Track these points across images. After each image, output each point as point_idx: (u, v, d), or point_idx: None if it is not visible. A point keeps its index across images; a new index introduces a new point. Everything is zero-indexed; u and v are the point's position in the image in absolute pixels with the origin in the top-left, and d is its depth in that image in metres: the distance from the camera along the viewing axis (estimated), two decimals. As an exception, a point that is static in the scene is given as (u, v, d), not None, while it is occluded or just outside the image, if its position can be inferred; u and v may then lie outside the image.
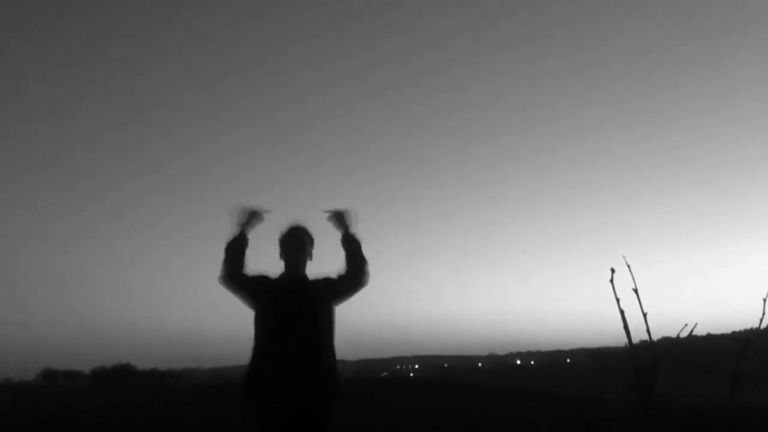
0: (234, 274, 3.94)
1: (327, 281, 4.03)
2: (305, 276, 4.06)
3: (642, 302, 4.57)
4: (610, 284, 4.64)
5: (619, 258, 4.63)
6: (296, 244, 4.05)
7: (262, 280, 3.99)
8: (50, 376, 75.71)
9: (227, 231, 4.03)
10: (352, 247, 4.06)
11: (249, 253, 4.04)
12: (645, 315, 4.57)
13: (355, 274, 4.01)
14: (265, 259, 4.15)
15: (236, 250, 3.98)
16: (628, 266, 4.57)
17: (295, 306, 3.85)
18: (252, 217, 4.08)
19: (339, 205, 4.17)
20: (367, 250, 4.10)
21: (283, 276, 4.04)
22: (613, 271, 4.62)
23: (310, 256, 4.11)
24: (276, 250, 4.13)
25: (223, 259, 3.97)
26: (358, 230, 4.13)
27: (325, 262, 4.21)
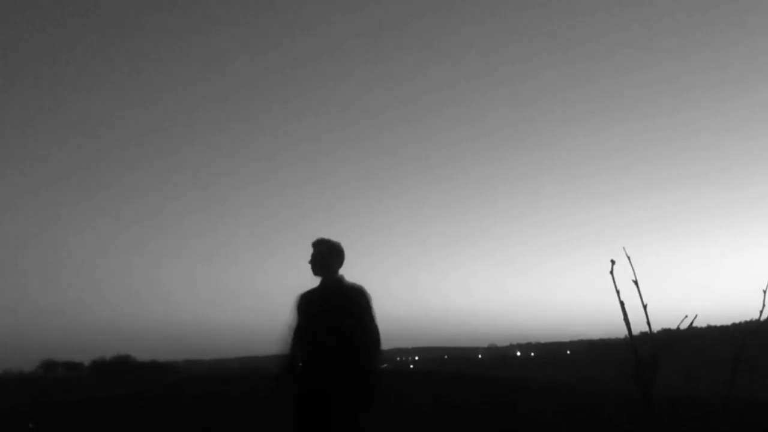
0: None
1: (359, 305, 4.17)
2: (338, 284, 4.31)
3: (642, 294, 4.56)
4: (610, 276, 4.63)
5: (619, 249, 4.62)
6: (326, 259, 4.32)
7: (299, 306, 4.32)
8: (50, 367, 75.89)
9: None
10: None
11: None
12: (645, 306, 4.56)
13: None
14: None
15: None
16: (628, 258, 4.56)
17: (329, 312, 4.12)
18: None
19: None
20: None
21: (318, 288, 4.33)
22: (613, 262, 4.61)
23: (341, 264, 4.36)
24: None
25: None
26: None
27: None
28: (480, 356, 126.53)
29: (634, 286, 4.59)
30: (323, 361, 4.02)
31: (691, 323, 4.56)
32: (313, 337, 4.10)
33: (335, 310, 4.13)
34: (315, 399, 3.96)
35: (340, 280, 4.34)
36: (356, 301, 4.17)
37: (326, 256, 4.34)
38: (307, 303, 4.28)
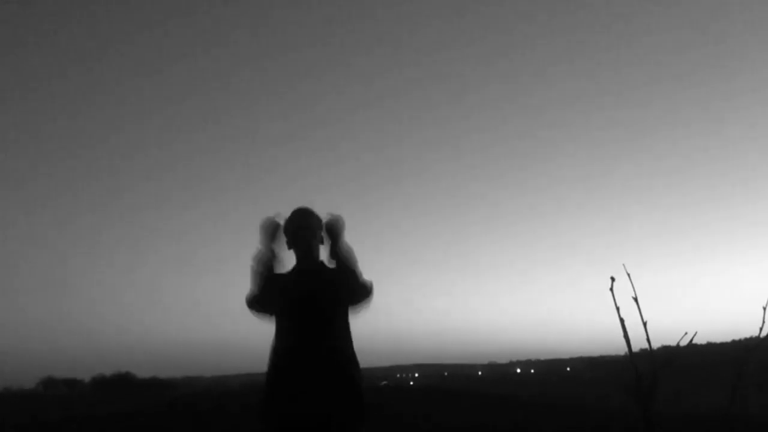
0: (261, 300, 3.48)
1: (347, 274, 3.50)
2: (321, 263, 3.59)
3: (642, 311, 4.59)
4: (610, 293, 4.66)
5: (619, 266, 4.64)
6: (305, 229, 3.57)
7: (274, 282, 3.49)
8: (50, 384, 75.55)
9: (254, 246, 3.57)
10: (340, 264, 3.51)
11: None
12: (645, 323, 4.58)
13: (357, 292, 3.50)
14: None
15: (268, 273, 3.50)
16: (628, 275, 4.59)
17: (312, 299, 3.42)
18: (278, 230, 3.58)
19: (333, 212, 3.62)
20: (365, 258, 3.57)
21: (295, 269, 3.58)
22: (613, 279, 4.63)
23: (322, 240, 3.60)
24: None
25: (253, 282, 3.50)
26: (348, 238, 3.59)
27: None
28: (480, 373, 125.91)
29: (634, 303, 4.61)
30: (315, 379, 3.24)
31: (691, 340, 4.58)
32: (306, 339, 3.33)
33: (330, 297, 3.43)
34: (315, 427, 3.20)
35: (323, 263, 3.60)
36: (344, 287, 3.47)
37: (316, 228, 3.60)
38: (289, 291, 3.45)
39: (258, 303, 3.48)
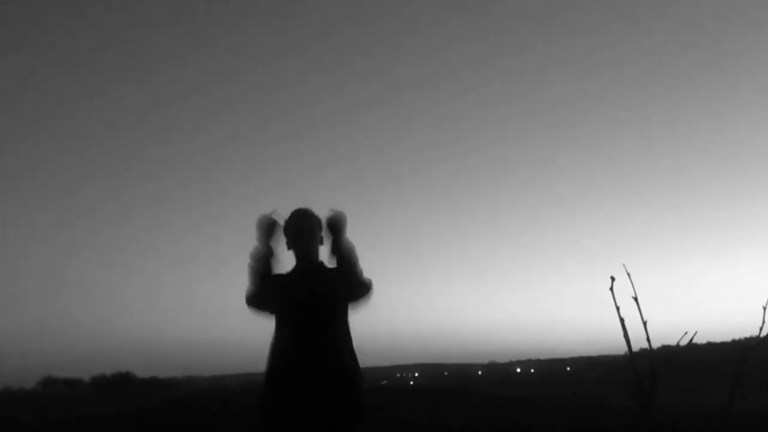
0: (260, 297, 3.46)
1: (347, 271, 3.48)
2: (321, 264, 3.57)
3: (642, 310, 4.60)
4: (610, 292, 4.66)
5: (619, 266, 4.66)
6: (305, 230, 3.55)
7: (277, 282, 3.48)
8: (50, 384, 75.48)
9: (252, 245, 3.55)
10: (341, 261, 3.49)
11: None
12: (645, 323, 4.59)
13: (356, 289, 3.49)
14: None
15: (265, 270, 3.48)
16: (628, 274, 4.60)
17: (312, 299, 3.40)
18: (275, 227, 3.55)
19: (335, 208, 3.56)
20: (365, 258, 3.53)
21: (295, 270, 3.56)
22: (613, 279, 4.65)
23: (321, 241, 3.57)
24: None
25: (251, 279, 3.47)
26: (350, 236, 3.53)
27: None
28: (480, 373, 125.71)
29: (634, 303, 4.62)
30: (315, 379, 3.23)
31: (691, 339, 4.60)
32: (307, 337, 3.32)
33: (329, 297, 3.42)
34: (313, 426, 3.20)
35: (323, 263, 3.58)
36: (342, 286, 3.46)
37: (316, 228, 3.58)
38: (290, 290, 3.44)
39: (257, 300, 3.45)
